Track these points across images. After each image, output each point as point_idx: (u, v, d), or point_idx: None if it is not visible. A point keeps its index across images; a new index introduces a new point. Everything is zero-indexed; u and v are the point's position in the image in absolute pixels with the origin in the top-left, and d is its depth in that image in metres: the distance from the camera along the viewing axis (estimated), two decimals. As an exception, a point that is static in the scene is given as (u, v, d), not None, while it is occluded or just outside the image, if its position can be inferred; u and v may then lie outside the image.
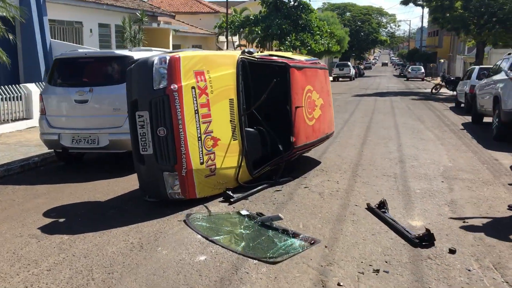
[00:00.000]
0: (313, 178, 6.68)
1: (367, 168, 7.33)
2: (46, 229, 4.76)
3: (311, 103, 6.90)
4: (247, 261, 3.92)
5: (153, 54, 7.84)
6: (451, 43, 55.97)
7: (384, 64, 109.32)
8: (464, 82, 17.92)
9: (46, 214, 5.27)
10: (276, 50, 29.43)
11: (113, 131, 7.01)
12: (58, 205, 5.60)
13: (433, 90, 26.24)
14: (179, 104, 5.13)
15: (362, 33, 63.60)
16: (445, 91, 26.49)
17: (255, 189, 5.89)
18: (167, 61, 5.15)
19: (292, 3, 29.27)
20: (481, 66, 16.96)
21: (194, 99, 5.29)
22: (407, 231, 4.46)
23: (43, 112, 7.41)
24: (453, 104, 19.39)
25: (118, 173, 7.06)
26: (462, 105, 18.09)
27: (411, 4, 31.38)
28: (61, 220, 5.07)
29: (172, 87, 5.11)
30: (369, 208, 5.28)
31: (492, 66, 17.70)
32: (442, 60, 54.61)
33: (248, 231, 4.59)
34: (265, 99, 6.10)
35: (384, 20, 72.19)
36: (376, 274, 3.65)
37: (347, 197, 5.77)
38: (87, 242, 4.38)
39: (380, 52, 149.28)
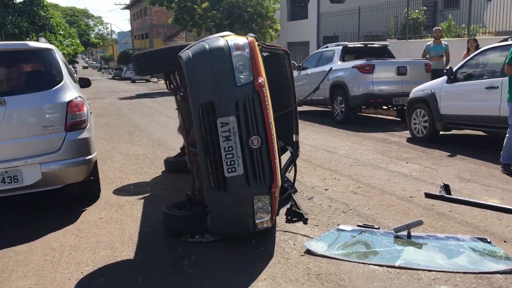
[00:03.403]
0: (304, 180, 5.98)
1: (322, 161, 6.99)
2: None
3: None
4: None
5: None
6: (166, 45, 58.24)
7: (85, 67, 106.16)
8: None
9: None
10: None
11: (46, 159, 4.71)
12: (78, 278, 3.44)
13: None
14: (268, 104, 3.79)
15: (70, 35, 59.93)
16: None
17: (295, 200, 4.90)
18: (246, 46, 3.73)
19: (21, -2, 25.20)
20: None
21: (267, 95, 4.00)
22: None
23: None
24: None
25: (51, 219, 4.86)
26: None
27: (116, 9, 31.00)
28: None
29: (259, 80, 3.73)
30: (429, 195, 5.08)
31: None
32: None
33: (410, 246, 3.81)
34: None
35: (92, 23, 69.79)
36: None
37: (387, 191, 5.39)
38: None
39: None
